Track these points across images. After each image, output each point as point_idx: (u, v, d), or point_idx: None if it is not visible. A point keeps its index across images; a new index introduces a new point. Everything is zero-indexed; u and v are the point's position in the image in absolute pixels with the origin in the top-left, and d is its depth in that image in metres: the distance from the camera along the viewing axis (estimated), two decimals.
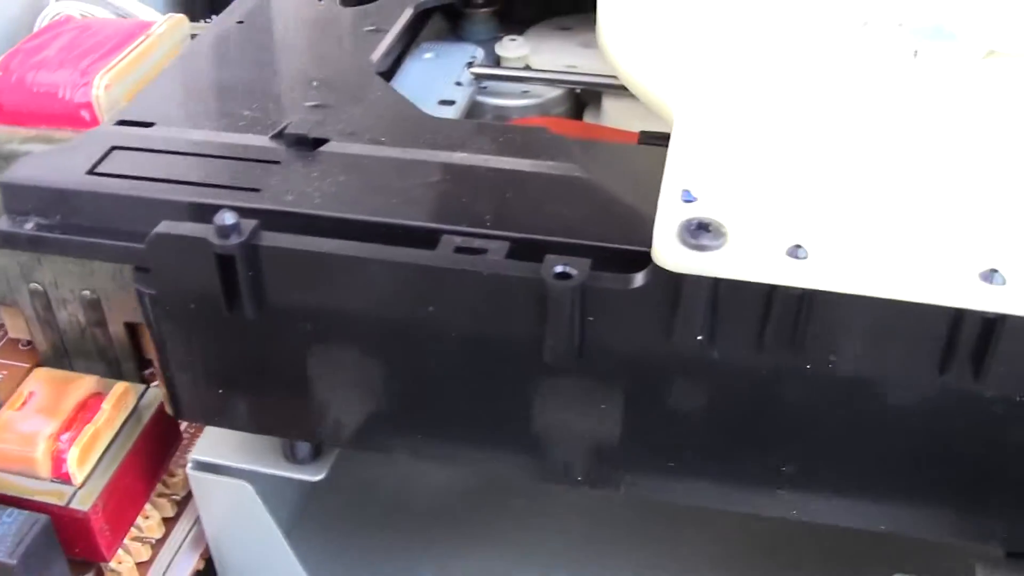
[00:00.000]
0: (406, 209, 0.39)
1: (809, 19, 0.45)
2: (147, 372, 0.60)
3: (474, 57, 0.57)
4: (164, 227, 0.38)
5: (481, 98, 0.56)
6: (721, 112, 0.39)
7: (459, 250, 0.37)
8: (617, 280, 0.35)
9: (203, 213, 0.39)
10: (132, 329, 0.58)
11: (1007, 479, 0.37)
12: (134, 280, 0.41)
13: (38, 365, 0.60)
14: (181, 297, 0.40)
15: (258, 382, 0.42)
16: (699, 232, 0.33)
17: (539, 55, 0.59)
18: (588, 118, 0.57)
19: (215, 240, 0.37)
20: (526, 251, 0.37)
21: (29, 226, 0.42)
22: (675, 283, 0.34)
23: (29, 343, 0.62)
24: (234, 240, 0.37)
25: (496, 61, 0.59)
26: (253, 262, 0.38)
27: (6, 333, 0.63)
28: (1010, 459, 0.36)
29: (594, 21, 0.60)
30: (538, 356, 0.37)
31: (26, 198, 0.43)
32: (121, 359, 0.58)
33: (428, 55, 0.57)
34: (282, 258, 0.37)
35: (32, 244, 0.43)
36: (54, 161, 0.43)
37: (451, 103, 0.53)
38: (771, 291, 0.33)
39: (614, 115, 0.55)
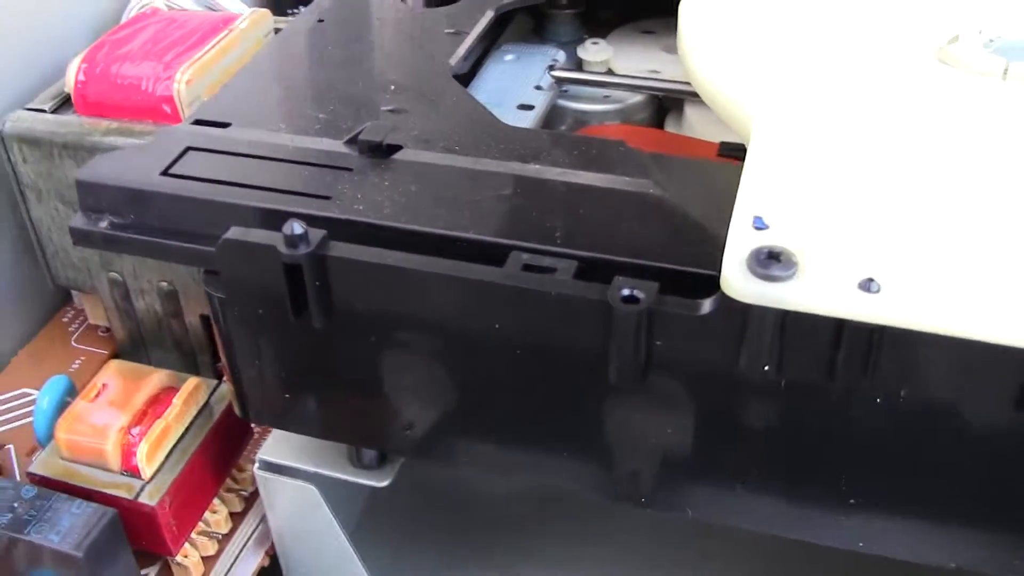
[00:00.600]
0: (476, 223, 0.38)
1: (896, 36, 0.44)
2: (221, 365, 0.60)
3: (555, 60, 0.57)
4: (234, 233, 0.38)
5: (561, 102, 0.56)
6: (799, 134, 0.38)
7: (527, 268, 0.36)
8: (684, 306, 0.34)
9: (273, 219, 0.40)
10: (208, 322, 0.58)
11: None
12: (204, 282, 0.41)
13: (115, 353, 0.61)
14: (249, 301, 0.40)
15: (324, 388, 0.42)
16: (769, 262, 0.32)
17: (622, 59, 0.58)
18: (670, 125, 0.57)
19: (283, 249, 0.37)
20: (595, 270, 0.36)
21: (103, 224, 0.43)
22: (743, 312, 0.33)
23: (108, 330, 0.62)
24: (302, 250, 0.37)
25: (578, 64, 0.58)
26: (320, 272, 0.38)
27: (86, 320, 0.64)
28: None
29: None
30: (604, 375, 0.36)
31: (101, 196, 0.43)
32: (197, 351, 0.59)
33: (509, 57, 0.57)
34: (349, 269, 0.37)
35: (106, 243, 0.43)
36: (130, 160, 0.44)
37: (530, 108, 0.52)
38: (841, 324, 0.32)
39: (696, 123, 0.55)
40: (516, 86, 0.54)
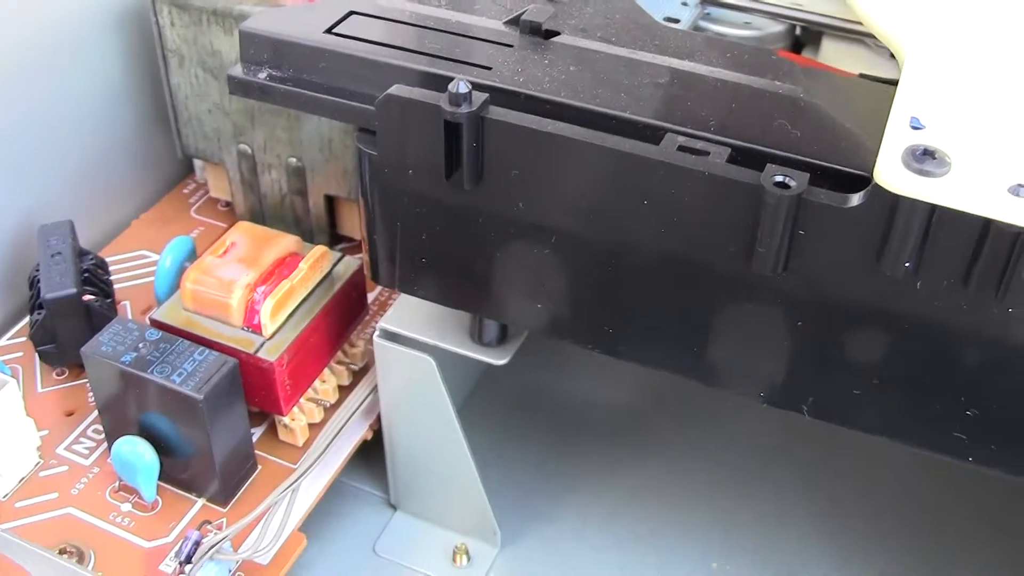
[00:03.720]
0: (633, 104, 0.39)
1: None
2: (338, 247, 0.61)
3: None
4: (396, 90, 0.39)
5: (701, 23, 0.56)
6: (956, 46, 0.38)
7: (682, 149, 0.37)
8: (834, 197, 0.35)
9: (434, 83, 0.41)
10: (331, 202, 0.59)
11: None
12: (357, 140, 0.42)
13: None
14: (401, 161, 0.41)
15: (460, 256, 0.43)
16: (924, 158, 0.33)
17: None
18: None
19: (446, 107, 0.38)
20: (746, 160, 0.37)
21: (263, 76, 0.44)
22: (891, 207, 0.34)
23: (228, 204, 0.64)
24: (464, 109, 0.38)
25: None
26: (479, 133, 0.38)
27: (207, 193, 0.65)
28: None
29: None
30: (740, 266, 0.37)
31: (263, 48, 0.44)
32: (315, 230, 0.60)
33: None
34: (508, 133, 0.38)
35: (263, 93, 0.44)
36: (294, 17, 0.45)
37: (676, 22, 0.53)
38: (986, 226, 0.33)
39: (833, 57, 0.55)
40: None
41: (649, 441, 0.59)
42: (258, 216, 0.61)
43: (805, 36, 0.58)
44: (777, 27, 0.57)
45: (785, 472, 0.58)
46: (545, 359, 0.60)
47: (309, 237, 0.60)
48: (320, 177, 0.58)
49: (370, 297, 0.57)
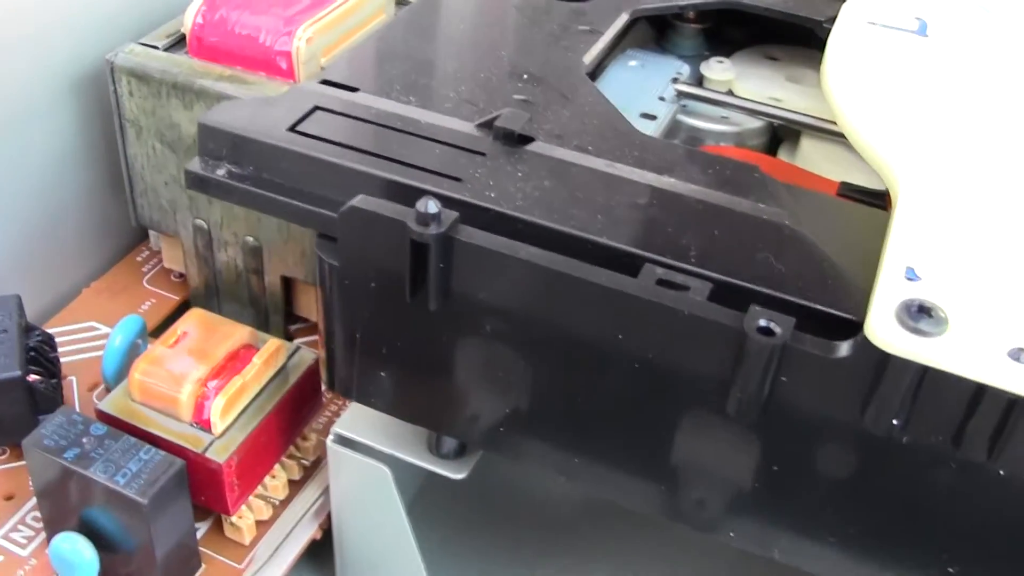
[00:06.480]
0: (610, 228, 0.38)
1: None
2: (293, 328, 0.59)
3: (680, 73, 0.56)
4: (361, 201, 0.38)
5: (678, 116, 0.55)
6: (952, 187, 0.37)
7: (661, 283, 0.35)
8: (821, 345, 0.33)
9: (402, 193, 0.39)
10: (287, 283, 0.58)
11: None
12: (317, 247, 0.40)
13: (187, 300, 0.61)
14: (364, 273, 0.39)
15: (421, 370, 0.41)
16: (920, 315, 0.31)
17: (744, 82, 0.57)
18: (783, 155, 0.56)
19: (413, 226, 0.36)
20: (727, 295, 0.35)
21: (221, 172, 0.42)
22: (881, 361, 0.32)
23: (182, 276, 0.62)
24: (432, 230, 0.36)
25: (699, 80, 0.57)
26: (447, 254, 0.37)
27: (160, 262, 0.63)
28: None
29: (802, 56, 0.59)
30: (715, 401, 0.35)
31: (222, 143, 0.42)
32: (271, 310, 0.58)
33: (633, 63, 0.56)
34: (478, 256, 0.36)
35: (221, 191, 0.42)
36: (256, 111, 0.43)
37: (653, 118, 0.51)
38: (982, 389, 0.31)
39: (812, 156, 0.54)
40: (640, 93, 0.53)
41: (607, 537, 0.57)
42: (212, 291, 0.59)
43: (784, 132, 0.56)
44: (755, 123, 0.55)
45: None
46: None
47: (264, 316, 0.58)
48: (277, 258, 0.56)
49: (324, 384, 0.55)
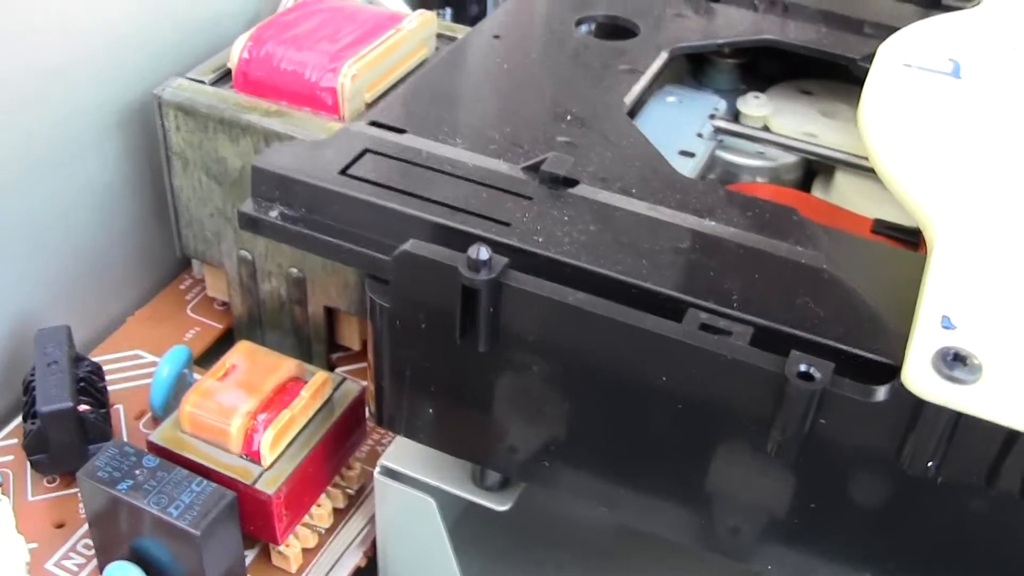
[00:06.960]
0: (655, 273, 0.39)
1: None
2: (335, 356, 0.60)
3: (716, 109, 0.57)
4: (413, 246, 0.39)
5: (716, 152, 0.56)
6: (987, 234, 0.38)
7: (704, 327, 0.36)
8: (859, 390, 0.34)
9: (452, 237, 0.40)
10: (330, 313, 0.58)
11: None
12: (368, 289, 0.41)
13: (230, 328, 0.62)
14: (414, 315, 0.40)
15: (468, 408, 0.42)
16: (955, 364, 0.32)
17: (779, 117, 0.58)
18: (816, 189, 0.57)
19: (464, 271, 0.37)
20: (768, 339, 0.36)
21: (274, 214, 0.43)
22: (917, 406, 0.33)
23: (225, 304, 0.63)
24: (483, 275, 0.37)
25: (735, 115, 0.58)
26: (496, 299, 0.38)
27: (203, 290, 0.64)
28: None
29: (836, 90, 0.60)
30: (756, 440, 0.36)
31: (275, 186, 0.43)
32: (314, 340, 0.59)
33: (671, 99, 0.57)
34: (527, 301, 0.37)
35: (273, 232, 0.43)
36: (307, 153, 0.44)
37: (691, 155, 0.52)
38: (1016, 435, 0.32)
39: (845, 191, 0.55)
40: (677, 130, 0.54)
41: (646, 564, 0.58)
42: (255, 320, 0.60)
43: (818, 166, 0.57)
44: (790, 158, 0.56)
45: None
46: None
47: (307, 345, 0.59)
48: (320, 289, 0.57)
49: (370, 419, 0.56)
